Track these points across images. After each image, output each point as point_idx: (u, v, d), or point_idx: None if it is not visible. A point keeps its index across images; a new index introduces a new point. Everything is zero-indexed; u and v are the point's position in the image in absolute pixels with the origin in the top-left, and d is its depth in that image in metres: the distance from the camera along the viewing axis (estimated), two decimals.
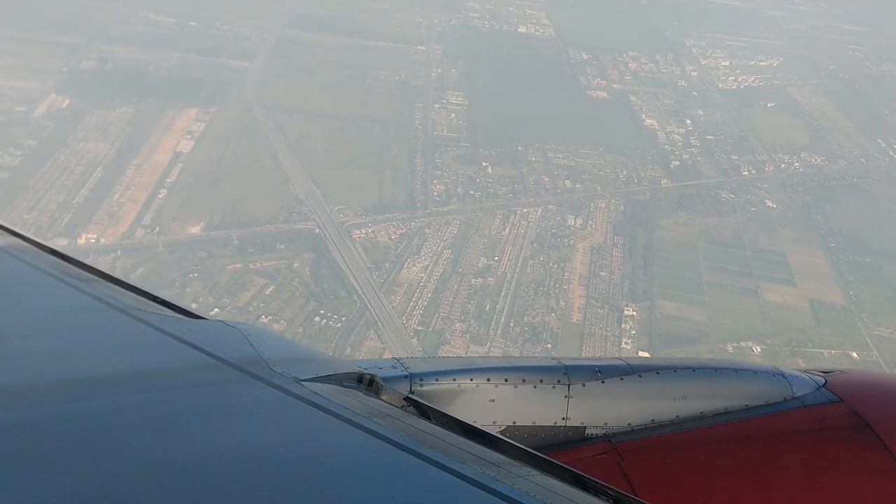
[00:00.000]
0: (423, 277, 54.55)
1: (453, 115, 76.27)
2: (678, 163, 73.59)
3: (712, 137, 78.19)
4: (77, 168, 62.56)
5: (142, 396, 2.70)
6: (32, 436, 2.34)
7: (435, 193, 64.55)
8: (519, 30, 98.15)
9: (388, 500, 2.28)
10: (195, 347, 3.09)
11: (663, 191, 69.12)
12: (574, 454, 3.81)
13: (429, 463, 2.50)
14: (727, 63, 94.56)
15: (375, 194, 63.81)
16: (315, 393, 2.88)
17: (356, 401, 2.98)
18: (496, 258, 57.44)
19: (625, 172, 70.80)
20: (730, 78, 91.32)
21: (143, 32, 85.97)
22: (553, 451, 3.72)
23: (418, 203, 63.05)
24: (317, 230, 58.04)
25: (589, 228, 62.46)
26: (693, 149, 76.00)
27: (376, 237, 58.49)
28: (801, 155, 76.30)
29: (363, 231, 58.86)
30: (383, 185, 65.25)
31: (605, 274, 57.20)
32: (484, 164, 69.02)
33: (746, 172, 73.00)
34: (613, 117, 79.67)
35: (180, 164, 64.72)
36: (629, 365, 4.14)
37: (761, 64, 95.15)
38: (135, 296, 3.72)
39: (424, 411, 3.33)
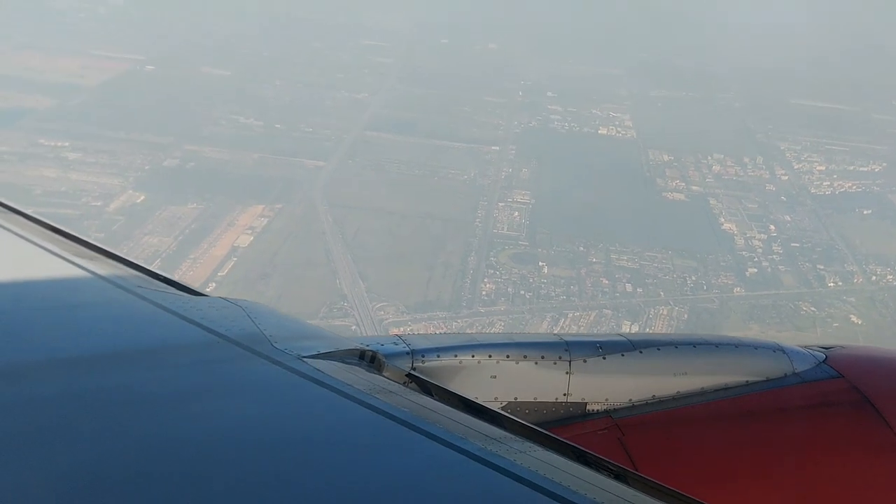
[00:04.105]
0: None
1: (516, 214, 74.40)
2: (755, 270, 68.28)
3: (797, 245, 72.51)
4: (136, 262, 64.19)
5: (144, 373, 2.73)
6: (35, 414, 2.35)
7: (484, 293, 62.18)
8: (599, 131, 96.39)
9: (390, 475, 2.33)
10: (197, 324, 3.09)
11: (735, 300, 64.02)
12: (575, 430, 3.83)
13: (431, 438, 2.52)
14: (823, 167, 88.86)
15: (422, 292, 62.12)
16: (317, 369, 2.89)
17: (358, 377, 3.00)
18: None
19: (693, 278, 66.23)
20: (824, 183, 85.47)
21: (229, 134, 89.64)
22: (554, 426, 3.75)
23: (464, 302, 60.78)
24: (353, 327, 56.53)
25: None
26: (774, 256, 70.54)
27: None
28: None
29: (401, 329, 56.86)
30: (432, 282, 63.56)
31: None
32: (540, 263, 66.25)
33: (832, 284, 66.77)
34: (688, 220, 75.53)
35: (235, 259, 65.49)
36: (630, 341, 4.15)
37: (861, 169, 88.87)
38: (137, 273, 3.73)
39: (426, 387, 3.39)
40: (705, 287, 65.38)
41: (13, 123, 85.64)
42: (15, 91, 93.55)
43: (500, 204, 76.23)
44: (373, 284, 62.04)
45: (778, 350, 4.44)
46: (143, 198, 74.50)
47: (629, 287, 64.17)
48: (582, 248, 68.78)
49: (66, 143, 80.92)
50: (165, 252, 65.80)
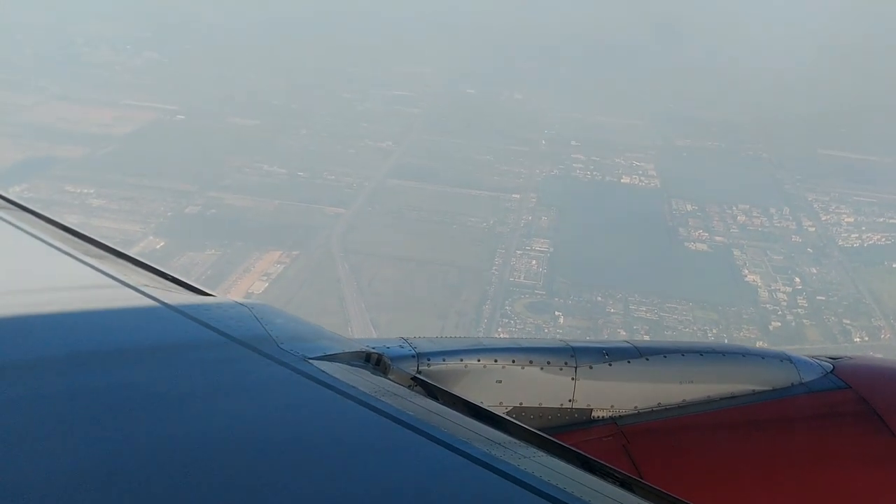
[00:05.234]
0: None
1: (534, 262, 73.53)
2: (779, 324, 66.30)
3: (823, 298, 70.42)
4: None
5: (150, 373, 2.74)
6: (42, 412, 2.37)
7: None
8: (622, 180, 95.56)
9: (394, 478, 2.34)
10: (204, 325, 3.10)
11: None
12: (580, 436, 3.83)
13: (435, 442, 2.52)
14: (851, 219, 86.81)
15: None
16: (323, 371, 2.88)
17: (363, 379, 2.99)
18: None
19: (714, 331, 64.47)
20: (852, 235, 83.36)
21: (252, 181, 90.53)
22: (559, 432, 3.74)
23: None
24: None
25: None
26: (799, 310, 68.52)
27: None
28: None
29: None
30: (444, 330, 62.50)
31: None
32: (556, 313, 65.10)
33: (858, 339, 64.44)
34: (711, 271, 73.95)
35: None
36: (636, 348, 4.15)
37: (890, 221, 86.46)
38: (145, 273, 3.75)
39: (431, 391, 3.35)
40: (726, 340, 63.39)
41: (44, 172, 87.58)
42: (48, 142, 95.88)
43: (518, 252, 75.49)
44: (384, 333, 61.19)
45: (785, 359, 4.43)
46: (162, 244, 75.13)
47: (647, 339, 62.49)
48: (600, 298, 67.58)
49: (91, 190, 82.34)
50: None
